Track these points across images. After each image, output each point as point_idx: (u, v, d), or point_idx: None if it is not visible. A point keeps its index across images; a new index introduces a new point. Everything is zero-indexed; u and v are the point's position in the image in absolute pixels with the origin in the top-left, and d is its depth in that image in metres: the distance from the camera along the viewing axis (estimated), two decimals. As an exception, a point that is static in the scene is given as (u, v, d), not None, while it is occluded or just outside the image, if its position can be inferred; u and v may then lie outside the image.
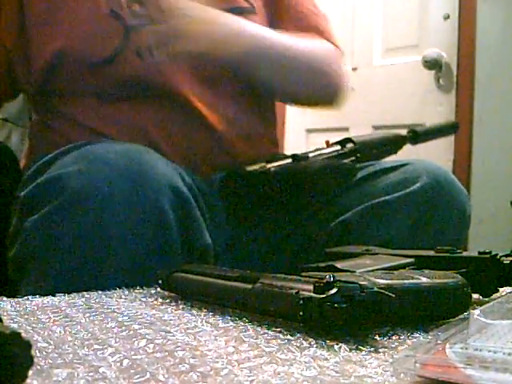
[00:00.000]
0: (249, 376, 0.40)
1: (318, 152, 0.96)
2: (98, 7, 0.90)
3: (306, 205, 0.97)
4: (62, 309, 0.61)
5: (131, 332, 0.51)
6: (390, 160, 1.00)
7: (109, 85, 0.91)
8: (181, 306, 0.63)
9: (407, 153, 1.08)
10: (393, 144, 1.03)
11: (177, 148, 0.93)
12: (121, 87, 0.91)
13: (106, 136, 0.90)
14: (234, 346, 0.47)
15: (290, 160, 0.95)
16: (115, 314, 0.59)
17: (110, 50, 0.90)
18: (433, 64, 2.38)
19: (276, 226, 0.97)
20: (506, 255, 0.66)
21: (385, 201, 0.89)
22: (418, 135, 1.06)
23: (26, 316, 0.58)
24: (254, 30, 0.94)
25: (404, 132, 1.08)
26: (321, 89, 1.05)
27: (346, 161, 0.95)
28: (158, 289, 0.70)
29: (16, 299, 0.65)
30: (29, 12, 0.91)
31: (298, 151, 1.00)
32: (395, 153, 1.03)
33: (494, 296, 0.66)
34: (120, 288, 0.72)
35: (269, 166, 0.93)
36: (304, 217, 0.96)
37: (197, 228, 0.79)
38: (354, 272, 0.58)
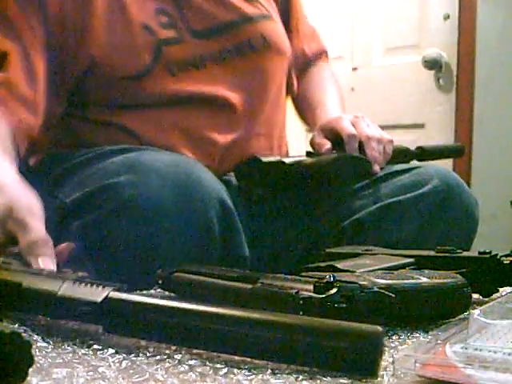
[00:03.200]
0: (248, 376, 0.40)
1: None
2: (130, 20, 0.91)
3: (320, 198, 0.98)
4: (62, 308, 0.61)
5: (131, 332, 0.51)
6: (402, 164, 1.01)
7: (141, 96, 0.92)
8: (181, 306, 0.63)
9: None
10: (402, 157, 1.05)
11: (203, 147, 0.94)
12: (154, 98, 0.93)
13: (141, 137, 0.92)
14: (233, 346, 0.47)
15: (304, 156, 0.97)
16: (115, 313, 0.59)
17: (142, 66, 0.91)
18: (433, 64, 2.38)
19: (290, 223, 0.98)
20: (506, 255, 0.66)
21: (397, 201, 0.90)
22: (424, 153, 1.09)
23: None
24: None
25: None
26: None
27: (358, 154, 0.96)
28: (158, 289, 0.70)
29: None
30: (64, 17, 0.90)
31: (298, 151, 1.01)
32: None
33: (494, 296, 0.66)
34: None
35: (284, 159, 0.96)
36: (317, 215, 0.97)
37: (238, 240, 0.82)
38: (354, 272, 0.58)
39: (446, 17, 2.37)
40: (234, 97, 0.96)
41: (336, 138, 0.97)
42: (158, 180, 0.75)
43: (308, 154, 0.97)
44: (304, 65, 1.18)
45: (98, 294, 0.47)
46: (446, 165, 2.26)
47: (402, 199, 0.90)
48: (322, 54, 1.21)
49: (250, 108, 0.99)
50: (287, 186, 0.97)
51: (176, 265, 0.72)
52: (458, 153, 1.35)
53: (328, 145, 0.97)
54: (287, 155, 1.09)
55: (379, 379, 0.41)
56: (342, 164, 0.94)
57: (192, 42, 0.95)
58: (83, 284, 0.49)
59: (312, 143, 1.01)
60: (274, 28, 1.04)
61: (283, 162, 0.94)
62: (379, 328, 0.41)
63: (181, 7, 0.95)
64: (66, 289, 0.49)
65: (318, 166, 0.94)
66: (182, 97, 0.93)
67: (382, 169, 0.97)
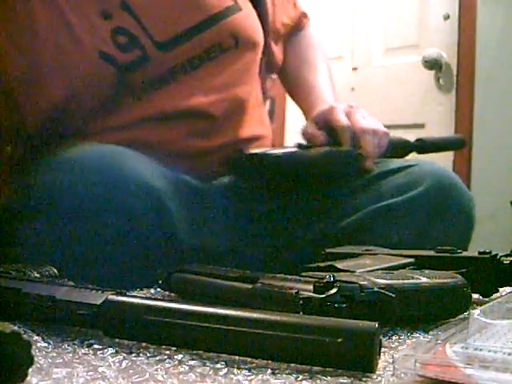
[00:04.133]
0: (248, 376, 0.40)
1: None
2: (85, 49, 0.85)
3: (314, 197, 0.95)
4: (62, 309, 0.61)
5: (131, 332, 0.51)
6: (396, 160, 0.98)
7: (109, 122, 0.88)
8: (181, 306, 0.63)
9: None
10: (401, 149, 1.02)
11: (190, 154, 0.92)
12: (123, 122, 0.88)
13: None
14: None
15: (294, 148, 0.94)
16: (115, 313, 0.59)
17: (105, 98, 0.87)
18: (433, 64, 2.38)
19: (282, 226, 0.95)
20: (506, 255, 0.66)
21: (390, 204, 0.88)
22: (425, 145, 1.07)
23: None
24: None
25: (409, 136, 1.08)
26: None
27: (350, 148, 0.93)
28: (158, 289, 0.70)
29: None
30: (11, 74, 0.86)
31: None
32: (402, 157, 1.02)
33: (494, 296, 0.66)
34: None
35: (270, 150, 0.93)
36: (312, 216, 0.94)
37: (170, 227, 0.78)
38: (354, 272, 0.58)
39: (446, 17, 2.37)
40: (210, 104, 0.92)
41: (330, 129, 0.94)
42: (78, 175, 0.74)
43: (299, 146, 0.93)
44: (286, 37, 1.14)
45: (97, 297, 0.47)
46: (445, 165, 2.26)
47: (395, 202, 0.88)
48: (300, 19, 1.16)
49: (230, 109, 0.95)
50: (276, 179, 0.94)
51: (106, 257, 0.72)
52: (459, 144, 1.32)
53: (321, 136, 0.93)
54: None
55: (379, 379, 0.41)
56: (333, 158, 0.92)
57: (159, 57, 0.89)
58: (82, 289, 0.49)
59: (304, 134, 0.97)
60: (243, 20, 0.97)
61: (267, 154, 0.91)
62: (375, 324, 0.41)
63: (140, 20, 0.88)
64: (65, 293, 0.49)
65: (306, 159, 0.91)
66: (154, 115, 0.89)
67: (376, 163, 0.94)
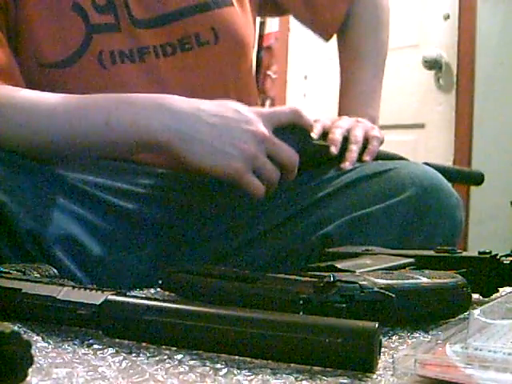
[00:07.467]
0: (248, 376, 0.40)
1: None
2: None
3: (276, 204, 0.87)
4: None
5: (131, 332, 0.51)
6: (374, 164, 0.90)
7: (67, 87, 0.81)
8: (181, 306, 0.63)
9: (407, 154, 1.07)
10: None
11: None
12: (82, 91, 0.80)
13: None
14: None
15: None
16: (115, 313, 0.59)
17: (68, 53, 0.83)
18: (433, 64, 2.38)
19: (251, 235, 0.87)
20: (506, 255, 0.66)
21: (366, 213, 0.81)
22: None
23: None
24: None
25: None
26: None
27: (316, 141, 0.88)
28: (158, 289, 0.70)
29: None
30: None
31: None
32: None
33: (494, 296, 0.66)
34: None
35: None
36: (281, 227, 0.86)
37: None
38: (354, 272, 0.58)
39: (446, 17, 2.38)
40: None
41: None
42: None
43: None
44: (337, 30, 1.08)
45: (97, 297, 0.48)
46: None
47: (372, 211, 0.81)
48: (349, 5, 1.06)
49: None
50: None
51: None
52: (468, 178, 1.22)
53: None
54: None
55: (379, 379, 0.41)
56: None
57: (130, 32, 0.85)
58: (82, 289, 0.49)
59: None
60: (229, 16, 0.91)
61: None
62: (375, 324, 0.41)
63: None
64: (65, 293, 0.49)
65: None
66: (114, 91, 0.81)
67: (353, 171, 0.87)
